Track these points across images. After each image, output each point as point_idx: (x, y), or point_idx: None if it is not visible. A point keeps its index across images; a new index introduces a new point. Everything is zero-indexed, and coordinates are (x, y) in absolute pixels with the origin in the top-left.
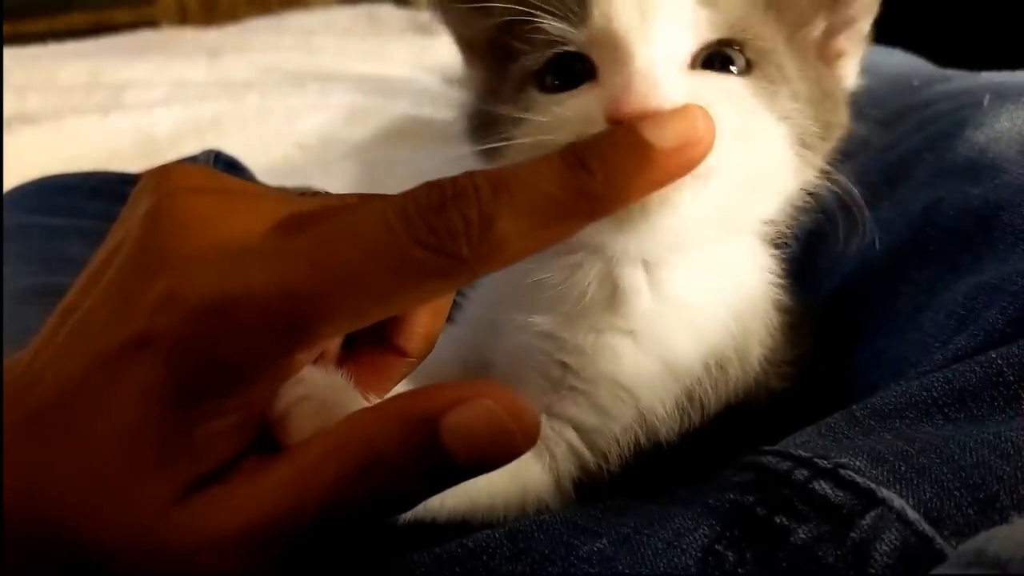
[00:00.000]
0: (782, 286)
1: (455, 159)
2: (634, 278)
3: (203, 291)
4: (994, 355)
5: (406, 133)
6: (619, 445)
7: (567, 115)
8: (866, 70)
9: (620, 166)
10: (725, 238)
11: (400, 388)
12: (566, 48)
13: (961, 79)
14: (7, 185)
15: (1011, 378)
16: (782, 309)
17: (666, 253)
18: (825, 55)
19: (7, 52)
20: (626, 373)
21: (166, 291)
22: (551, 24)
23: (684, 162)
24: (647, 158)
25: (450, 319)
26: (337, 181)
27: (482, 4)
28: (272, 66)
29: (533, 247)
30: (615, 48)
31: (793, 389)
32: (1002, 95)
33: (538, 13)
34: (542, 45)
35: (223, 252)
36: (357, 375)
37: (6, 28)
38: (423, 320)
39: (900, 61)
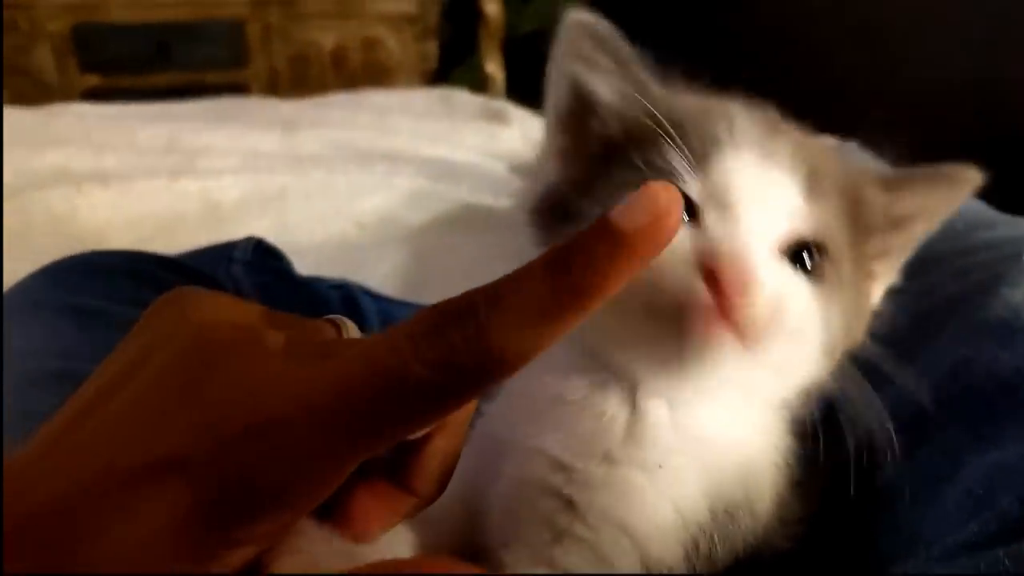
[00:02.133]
0: (793, 435)
1: (502, 247)
2: (657, 408)
3: (238, 421)
4: (1001, 553)
5: (462, 220)
6: None
7: None
8: None
9: (595, 258)
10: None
11: (401, 528)
12: (676, 184)
13: (1006, 226)
14: (73, 244)
15: None
16: (792, 462)
17: (690, 396)
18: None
19: (93, 109)
20: (635, 516)
21: (202, 419)
22: (676, 160)
23: (656, 237)
24: (619, 244)
25: None
26: (387, 264)
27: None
28: (344, 142)
29: (532, 350)
30: (726, 208)
31: (799, 549)
32: None
33: (669, 143)
34: (653, 168)
35: (254, 382)
36: (364, 507)
37: (102, 81)
38: (437, 460)
39: None
